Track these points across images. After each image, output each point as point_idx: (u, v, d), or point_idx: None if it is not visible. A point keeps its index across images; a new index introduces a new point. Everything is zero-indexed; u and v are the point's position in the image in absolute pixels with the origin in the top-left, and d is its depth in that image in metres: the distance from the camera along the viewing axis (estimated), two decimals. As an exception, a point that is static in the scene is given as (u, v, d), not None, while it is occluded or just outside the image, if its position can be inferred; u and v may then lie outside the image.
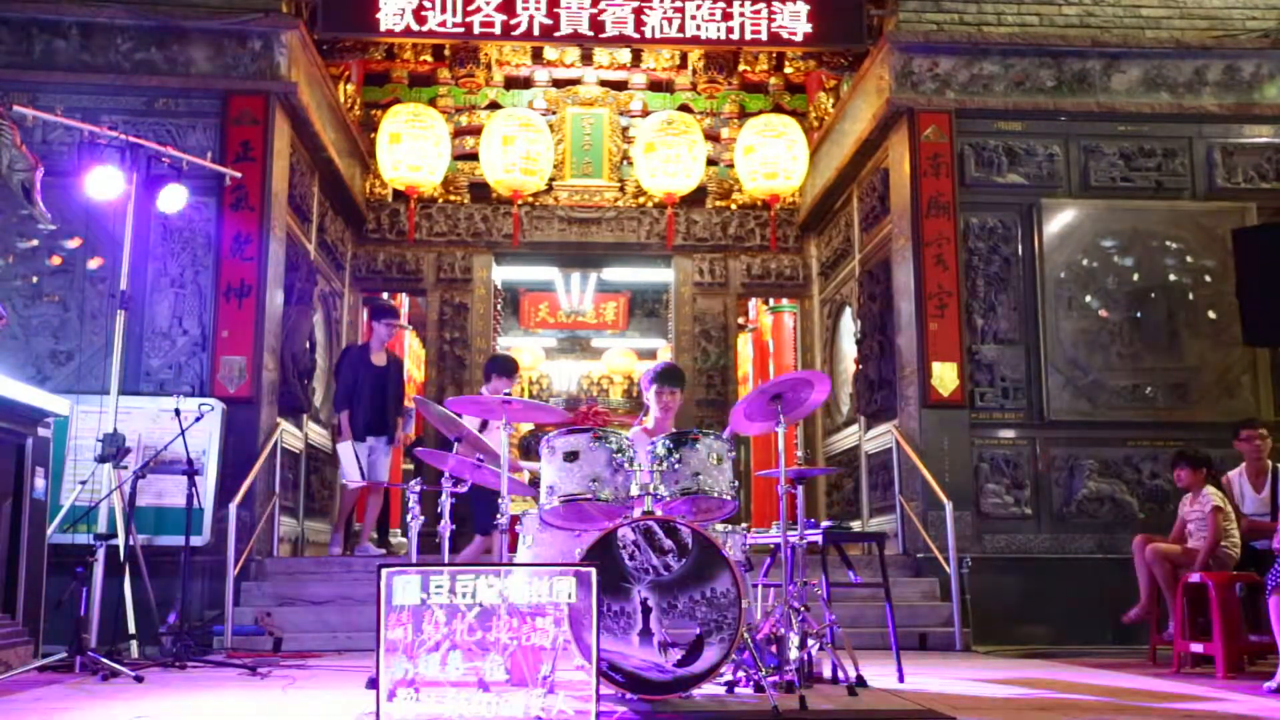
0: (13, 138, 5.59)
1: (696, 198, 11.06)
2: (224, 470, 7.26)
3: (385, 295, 11.29)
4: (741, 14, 9.10)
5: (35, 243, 7.66)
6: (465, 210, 11.07)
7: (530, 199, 10.72)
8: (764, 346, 12.22)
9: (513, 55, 11.02)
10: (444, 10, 8.99)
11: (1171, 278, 8.25)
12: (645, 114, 11.00)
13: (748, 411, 4.59)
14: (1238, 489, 6.31)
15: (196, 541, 6.56)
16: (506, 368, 7.44)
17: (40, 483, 5.34)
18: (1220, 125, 8.47)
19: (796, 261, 11.29)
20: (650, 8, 9.08)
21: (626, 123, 11.23)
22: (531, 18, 9.05)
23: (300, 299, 8.73)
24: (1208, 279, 8.22)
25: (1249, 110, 8.48)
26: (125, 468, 6.00)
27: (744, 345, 12.86)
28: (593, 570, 3.28)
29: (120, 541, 5.82)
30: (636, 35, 9.19)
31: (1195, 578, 5.75)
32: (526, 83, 11.19)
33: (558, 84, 11.22)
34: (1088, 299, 8.21)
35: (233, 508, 6.96)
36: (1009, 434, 8.07)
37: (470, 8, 9.00)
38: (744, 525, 4.65)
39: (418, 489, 4.83)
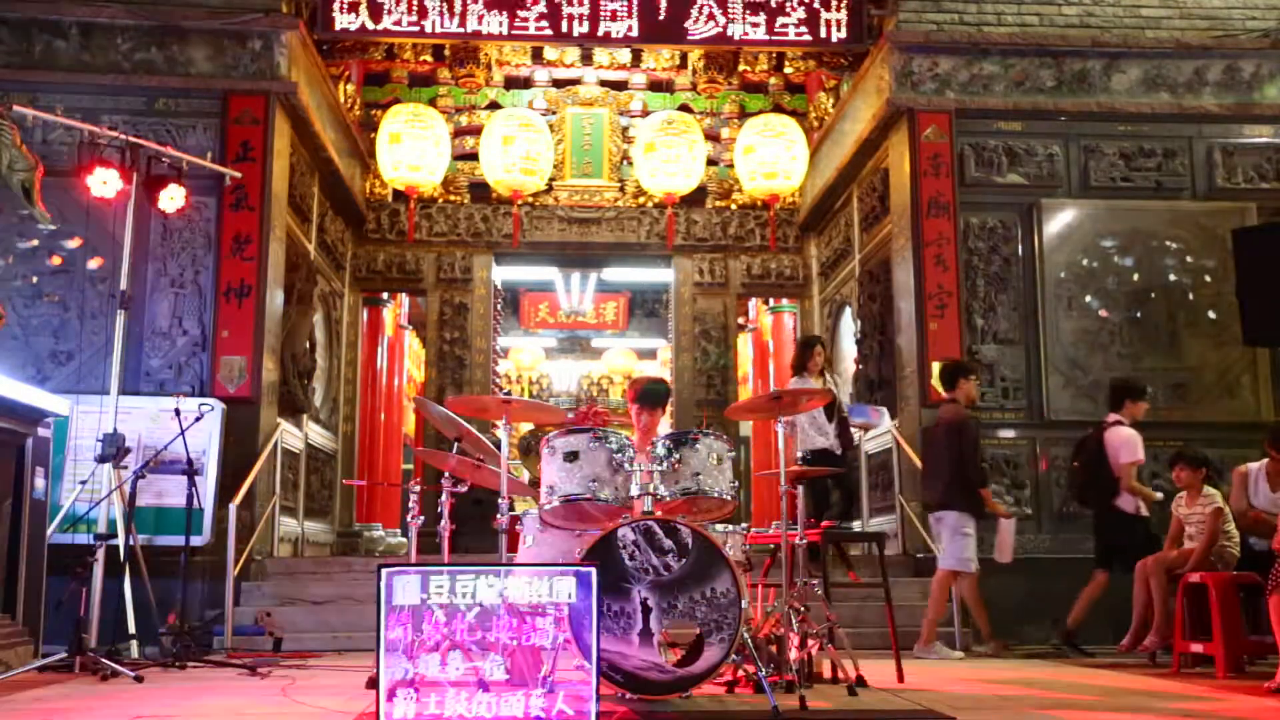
0: (13, 138, 5.60)
1: (696, 198, 11.06)
2: (224, 470, 7.27)
3: (385, 295, 11.32)
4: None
5: (35, 243, 7.66)
6: (465, 210, 11.07)
7: (530, 199, 10.72)
8: (764, 346, 12.22)
9: (513, 55, 11.03)
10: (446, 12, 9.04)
11: (1171, 278, 8.25)
12: (645, 114, 11.01)
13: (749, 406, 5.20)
14: (1254, 482, 6.26)
15: (196, 541, 6.56)
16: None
17: (40, 483, 5.34)
18: (1220, 125, 8.47)
19: (796, 261, 11.29)
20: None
21: (626, 123, 11.24)
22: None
23: (300, 299, 8.73)
24: (1208, 279, 8.22)
25: (1249, 110, 8.48)
26: (125, 468, 6.00)
27: (744, 345, 12.86)
28: (593, 570, 3.27)
29: (120, 541, 5.82)
30: (636, 35, 9.24)
31: (1195, 578, 5.75)
32: (526, 83, 11.19)
33: (558, 84, 11.22)
34: (1088, 299, 8.21)
35: (233, 508, 6.97)
36: (1009, 434, 8.06)
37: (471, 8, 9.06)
38: (744, 525, 4.64)
39: (417, 489, 4.84)
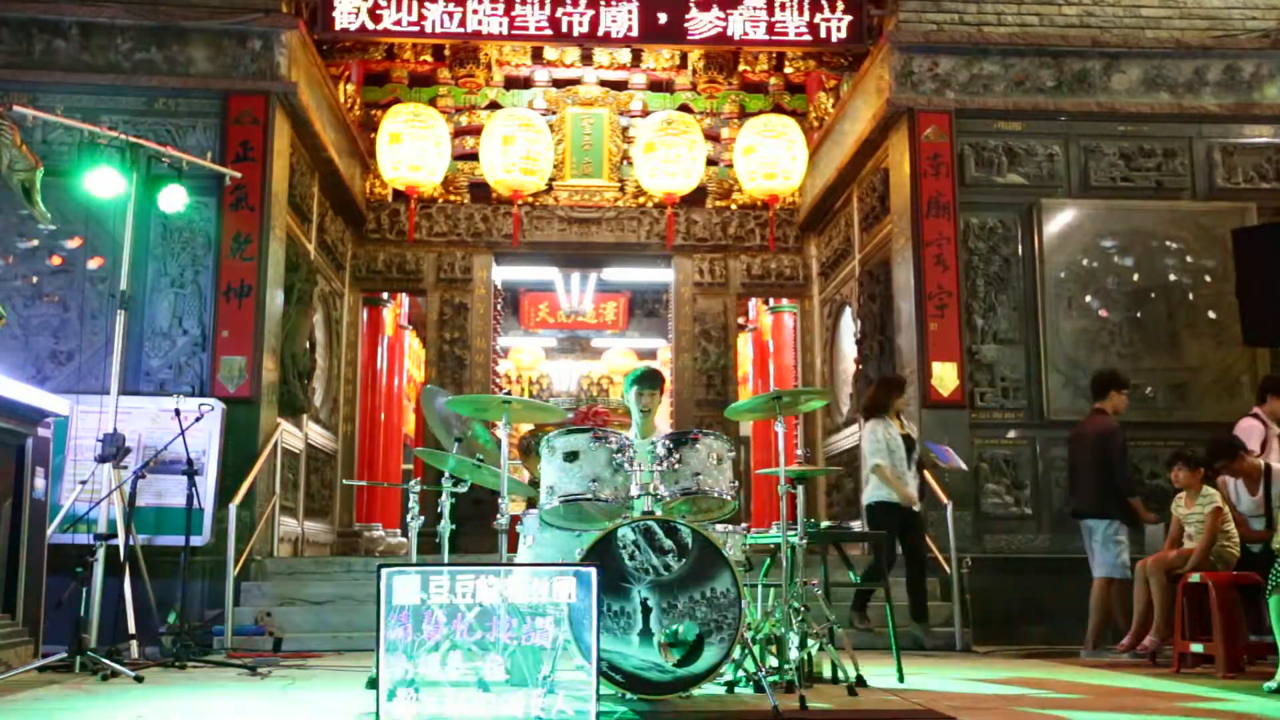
0: (13, 138, 5.59)
1: (696, 198, 11.06)
2: (224, 470, 7.27)
3: (385, 295, 11.32)
4: (742, 14, 9.17)
5: (35, 243, 7.66)
6: (465, 210, 11.07)
7: (530, 199, 10.72)
8: (764, 346, 12.22)
9: (513, 55, 11.03)
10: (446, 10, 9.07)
11: (1171, 278, 8.25)
12: (645, 114, 11.01)
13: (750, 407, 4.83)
14: (1233, 490, 6.31)
15: (196, 541, 6.57)
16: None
17: (40, 483, 5.33)
18: (1220, 125, 8.47)
19: (796, 261, 11.29)
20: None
21: (626, 123, 11.24)
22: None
23: (300, 299, 8.73)
24: (1208, 279, 8.22)
25: (1249, 110, 8.48)
26: (125, 468, 6.00)
27: (744, 345, 12.86)
28: (593, 570, 3.28)
29: (120, 541, 5.82)
30: (636, 35, 9.27)
31: (1195, 578, 5.75)
32: (526, 83, 11.19)
33: (558, 84, 11.22)
34: (1088, 299, 8.21)
35: (233, 508, 6.97)
36: (1009, 434, 8.06)
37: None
38: (744, 525, 4.64)
39: (417, 489, 4.84)
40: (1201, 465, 6.18)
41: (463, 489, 4.83)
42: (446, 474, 4.78)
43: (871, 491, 6.87)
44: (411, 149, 9.95)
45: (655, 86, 11.27)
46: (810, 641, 4.54)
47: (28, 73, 7.87)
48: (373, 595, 3.21)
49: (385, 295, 11.31)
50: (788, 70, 10.85)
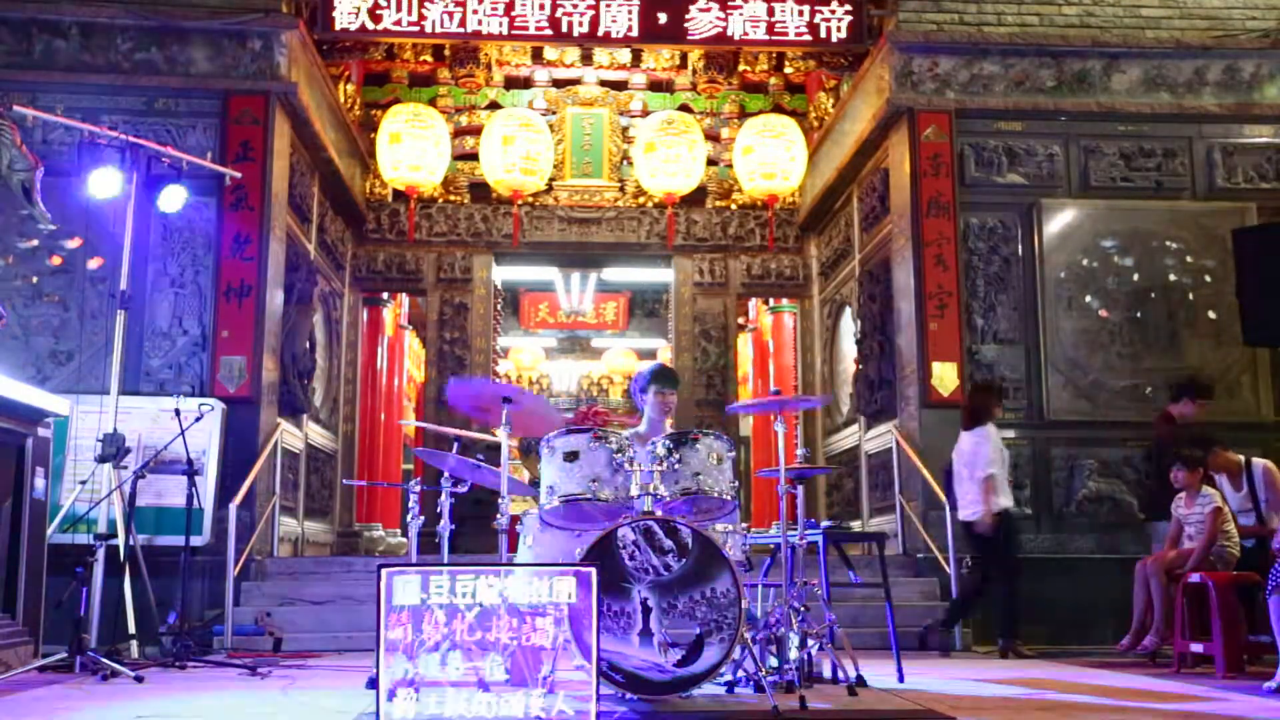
0: (13, 138, 5.59)
1: (696, 198, 11.06)
2: (224, 470, 7.27)
3: (385, 295, 11.32)
4: (742, 14, 9.17)
5: (35, 243, 7.66)
6: (465, 210, 11.07)
7: (530, 199, 10.72)
8: (764, 346, 12.22)
9: (513, 55, 11.03)
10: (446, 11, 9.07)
11: (1171, 278, 8.25)
12: (645, 114, 11.01)
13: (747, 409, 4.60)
14: (1224, 489, 6.31)
15: (196, 541, 6.57)
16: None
17: (40, 483, 5.33)
18: (1220, 125, 8.47)
19: (796, 261, 11.29)
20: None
21: (626, 123, 11.24)
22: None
23: (300, 299, 8.73)
24: (1208, 279, 8.22)
25: (1249, 110, 8.48)
26: (125, 468, 6.00)
27: (744, 345, 12.86)
28: (593, 570, 3.27)
29: (120, 541, 5.82)
30: (636, 35, 9.26)
31: (1195, 578, 5.75)
32: (526, 83, 11.19)
33: (558, 84, 11.22)
34: (1088, 299, 8.21)
35: (233, 508, 6.97)
36: (1009, 434, 8.02)
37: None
38: (744, 525, 4.64)
39: (418, 489, 4.84)
40: (1200, 465, 6.18)
41: (463, 489, 4.83)
42: (446, 474, 4.78)
43: (995, 500, 6.63)
44: (411, 149, 9.96)
45: (655, 86, 11.28)
46: (810, 641, 4.54)
47: (28, 73, 7.87)
48: (373, 595, 3.21)
49: (385, 295, 11.31)
50: (788, 70, 10.85)
